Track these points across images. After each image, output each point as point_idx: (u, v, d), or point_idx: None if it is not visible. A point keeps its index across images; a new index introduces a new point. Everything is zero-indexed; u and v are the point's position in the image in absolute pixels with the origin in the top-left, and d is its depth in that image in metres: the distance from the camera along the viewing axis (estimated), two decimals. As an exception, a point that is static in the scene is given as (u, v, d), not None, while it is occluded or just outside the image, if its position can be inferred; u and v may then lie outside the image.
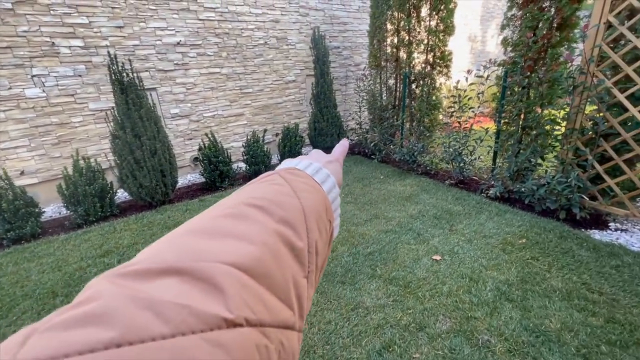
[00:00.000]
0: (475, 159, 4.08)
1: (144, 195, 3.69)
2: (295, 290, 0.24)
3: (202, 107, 5.01)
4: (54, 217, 3.79)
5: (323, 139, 5.24)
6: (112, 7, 4.01)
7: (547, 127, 3.34)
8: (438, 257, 2.58)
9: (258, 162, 4.56)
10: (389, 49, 5.26)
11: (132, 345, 0.15)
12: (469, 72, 3.76)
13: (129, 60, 3.64)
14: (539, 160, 3.47)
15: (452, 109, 4.07)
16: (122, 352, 0.14)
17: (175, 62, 4.59)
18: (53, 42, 3.75)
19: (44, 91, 3.80)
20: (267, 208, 0.26)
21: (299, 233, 0.26)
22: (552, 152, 3.42)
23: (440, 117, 5.21)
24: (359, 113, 5.78)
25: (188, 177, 4.99)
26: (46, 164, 3.99)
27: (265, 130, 4.89)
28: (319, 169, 0.36)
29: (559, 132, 3.30)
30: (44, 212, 3.52)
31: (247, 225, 0.24)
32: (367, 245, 2.80)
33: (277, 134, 5.72)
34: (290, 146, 4.92)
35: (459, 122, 4.06)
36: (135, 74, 3.54)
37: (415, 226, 3.09)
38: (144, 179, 3.60)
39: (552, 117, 3.36)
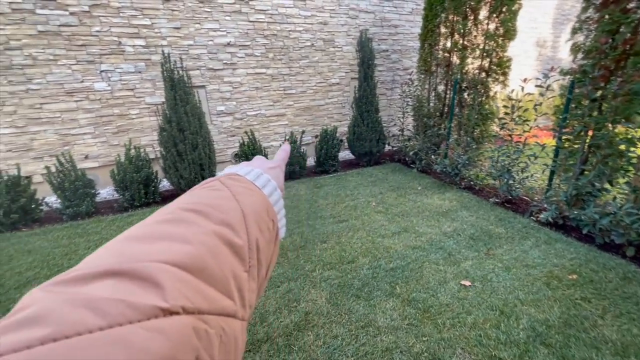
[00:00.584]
0: (526, 177, 3.66)
1: (183, 186, 3.93)
2: (235, 282, 0.26)
3: (247, 105, 5.19)
4: (107, 199, 4.20)
5: (361, 143, 5.12)
6: (172, 10, 4.33)
7: (622, 147, 2.87)
8: (467, 283, 2.34)
9: (293, 162, 4.60)
10: (440, 54, 4.97)
11: (69, 339, 0.15)
12: (525, 80, 3.38)
13: (180, 58, 3.90)
14: (606, 185, 3.00)
15: (504, 120, 3.70)
16: (59, 346, 0.15)
17: (224, 61, 4.83)
18: (120, 42, 4.16)
19: (109, 85, 4.24)
20: (206, 211, 0.28)
21: (238, 232, 0.28)
22: (623, 177, 2.93)
23: (494, 127, 4.79)
24: (402, 119, 5.55)
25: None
26: (106, 150, 4.45)
27: (303, 132, 4.91)
28: (259, 175, 0.38)
29: (635, 155, 2.81)
30: (99, 193, 3.91)
31: (185, 227, 0.25)
32: (390, 260, 2.65)
33: (316, 136, 5.73)
34: (327, 149, 4.89)
35: (510, 135, 3.68)
36: (185, 72, 3.77)
37: (447, 245, 2.86)
38: (185, 170, 3.83)
39: (628, 137, 2.88)
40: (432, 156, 4.71)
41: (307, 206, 3.75)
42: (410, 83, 5.28)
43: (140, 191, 3.77)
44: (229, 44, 4.79)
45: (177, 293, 0.20)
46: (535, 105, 3.36)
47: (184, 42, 4.52)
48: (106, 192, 4.41)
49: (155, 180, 3.96)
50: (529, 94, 3.47)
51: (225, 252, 0.26)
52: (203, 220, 0.27)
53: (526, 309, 2.08)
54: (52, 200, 4.00)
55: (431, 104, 5.24)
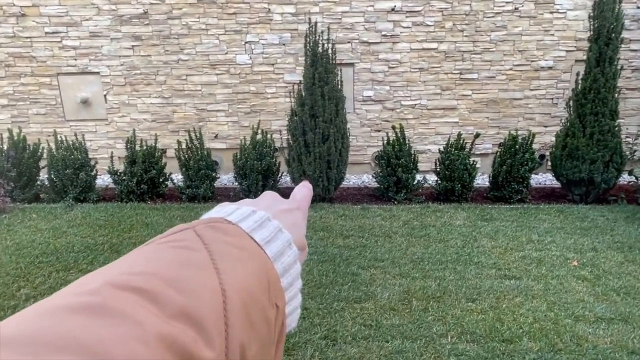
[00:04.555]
0: None
1: (304, 185, 4.40)
2: None
3: (403, 92, 5.35)
4: (226, 186, 5.16)
5: (575, 164, 4.42)
6: (331, -31, 4.95)
7: None
8: None
9: (454, 177, 4.43)
10: None
11: None
12: None
13: (328, 28, 4.40)
14: None
15: None
16: None
17: (383, 32, 5.14)
18: (269, 9, 5.05)
19: (250, 58, 5.22)
20: (156, 292, 0.23)
21: (208, 333, 0.23)
22: None
23: None
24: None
25: (364, 177, 5.49)
26: (235, 131, 5.48)
27: (477, 135, 4.66)
28: (263, 221, 0.32)
29: None
30: (219, 177, 4.86)
31: (109, 327, 0.20)
32: (577, 357, 2.22)
33: (500, 144, 5.32)
34: (512, 166, 4.46)
35: None
36: (331, 45, 4.23)
37: None
38: (309, 166, 4.29)
39: None
40: None
41: (459, 243, 3.55)
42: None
43: (258, 182, 4.45)
44: (393, 10, 5.07)
45: None
46: None
47: (338, 9, 5.07)
48: (227, 178, 5.42)
49: (277, 173, 4.59)
50: None
51: None
52: (147, 310, 0.22)
53: None
54: (178, 178, 5.22)
55: None
